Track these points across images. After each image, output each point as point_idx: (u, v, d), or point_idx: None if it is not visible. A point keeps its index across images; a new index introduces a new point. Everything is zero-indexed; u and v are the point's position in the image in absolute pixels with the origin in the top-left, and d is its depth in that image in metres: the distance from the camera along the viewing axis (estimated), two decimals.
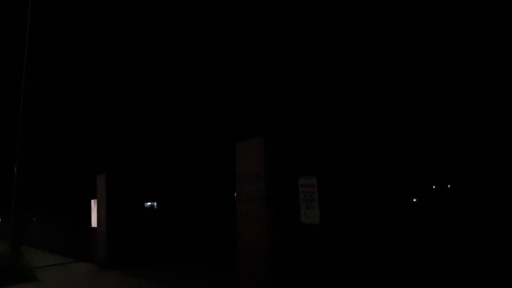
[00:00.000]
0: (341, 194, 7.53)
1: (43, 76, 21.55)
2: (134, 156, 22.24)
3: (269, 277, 6.68)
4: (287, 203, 6.84)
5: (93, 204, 12.60)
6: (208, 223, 15.67)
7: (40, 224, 20.35)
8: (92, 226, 12.61)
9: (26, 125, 12.35)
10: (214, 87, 22.64)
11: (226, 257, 10.17)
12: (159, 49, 23.44)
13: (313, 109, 18.92)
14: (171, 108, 23.38)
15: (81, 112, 24.19)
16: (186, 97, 23.33)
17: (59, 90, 24.31)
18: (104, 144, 23.41)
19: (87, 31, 23.75)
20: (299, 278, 6.75)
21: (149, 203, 12.79)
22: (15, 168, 12.29)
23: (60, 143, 23.83)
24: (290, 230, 6.81)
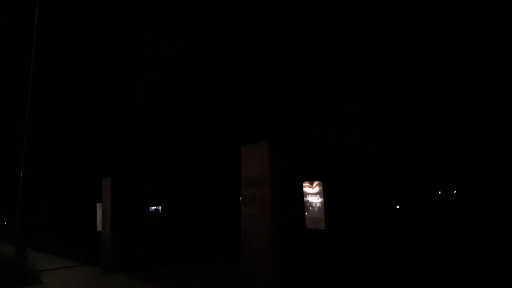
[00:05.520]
0: (346, 199, 7.51)
1: (50, 81, 21.68)
2: (140, 160, 22.30)
3: (274, 282, 6.66)
4: (292, 207, 6.82)
5: (99, 207, 12.62)
6: (213, 227, 15.65)
7: (46, 227, 20.39)
8: (98, 229, 12.62)
9: (33, 130, 12.40)
10: (220, 92, 22.69)
11: (231, 261, 10.15)
12: (165, 54, 23.53)
13: (318, 114, 18.90)
14: (177, 112, 23.44)
15: (87, 117, 24.28)
16: (192, 102, 23.37)
17: (65, 95, 24.43)
18: (110, 148, 23.48)
19: (92, 36, 23.86)
20: (304, 282, 6.72)
21: (154, 207, 12.80)
22: (21, 171, 12.34)
23: (65, 147, 23.92)
24: (295, 234, 6.79)
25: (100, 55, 24.28)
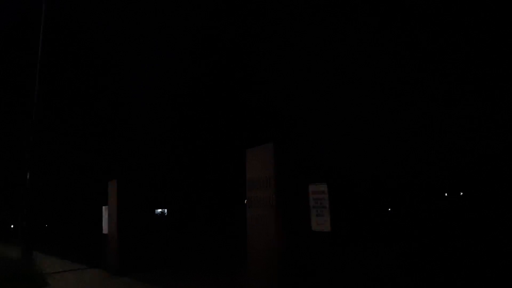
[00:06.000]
0: (352, 201, 7.50)
1: (56, 85, 21.77)
2: (145, 163, 22.35)
3: (278, 283, 6.65)
4: (297, 209, 6.81)
5: (104, 210, 12.64)
6: (218, 229, 15.65)
7: (51, 230, 20.44)
8: (103, 232, 12.64)
9: (38, 132, 12.47)
10: (224, 94, 22.71)
11: (235, 262, 10.16)
12: (169, 57, 23.59)
13: (322, 115, 18.88)
14: (182, 115, 23.47)
15: (93, 120, 24.35)
16: (197, 105, 23.41)
17: (71, 97, 24.51)
18: (115, 151, 23.53)
19: (96, 40, 23.95)
20: (309, 284, 6.71)
21: (160, 210, 12.81)
22: (27, 174, 12.41)
23: (71, 150, 23.99)
24: (300, 237, 6.78)
25: (104, 58, 24.37)
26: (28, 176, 12.35)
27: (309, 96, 19.30)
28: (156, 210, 12.75)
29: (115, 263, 11.48)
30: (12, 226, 27.23)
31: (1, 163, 26.07)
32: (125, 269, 11.11)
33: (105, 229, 12.55)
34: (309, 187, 6.76)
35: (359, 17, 18.25)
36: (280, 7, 20.14)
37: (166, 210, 12.85)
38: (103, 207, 12.76)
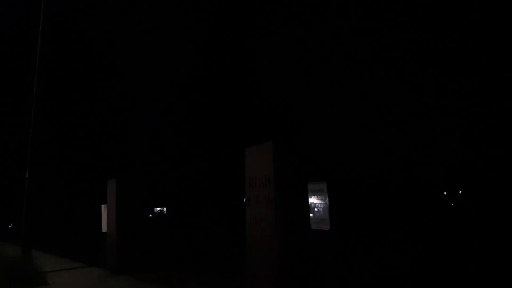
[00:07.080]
0: (351, 200, 7.49)
1: (54, 82, 21.76)
2: (144, 162, 22.34)
3: (277, 282, 6.65)
4: (296, 208, 6.82)
5: (104, 209, 12.65)
6: (217, 228, 15.66)
7: (51, 229, 20.44)
8: (103, 230, 12.65)
9: (38, 131, 12.47)
10: (224, 93, 22.70)
11: (235, 262, 10.15)
12: (169, 56, 23.57)
13: (322, 114, 18.88)
14: (181, 114, 23.46)
15: (92, 119, 24.36)
16: (196, 103, 23.40)
17: (70, 97, 24.51)
18: (115, 150, 23.53)
19: (94, 36, 23.94)
20: (308, 283, 6.71)
21: (159, 208, 12.82)
22: (27, 173, 12.40)
23: (70, 149, 24.00)
24: (300, 236, 6.78)
25: (103, 55, 24.36)
26: (27, 175, 12.34)
27: (309, 95, 19.30)
28: (155, 208, 12.74)
29: (114, 261, 11.49)
30: (10, 225, 27.24)
31: (1, 162, 26.09)
32: (125, 268, 11.11)
33: (104, 228, 12.57)
34: (308, 186, 6.76)
35: (358, 17, 18.26)
36: (282, 6, 20.14)
37: (165, 208, 12.87)
38: (102, 205, 12.76)
